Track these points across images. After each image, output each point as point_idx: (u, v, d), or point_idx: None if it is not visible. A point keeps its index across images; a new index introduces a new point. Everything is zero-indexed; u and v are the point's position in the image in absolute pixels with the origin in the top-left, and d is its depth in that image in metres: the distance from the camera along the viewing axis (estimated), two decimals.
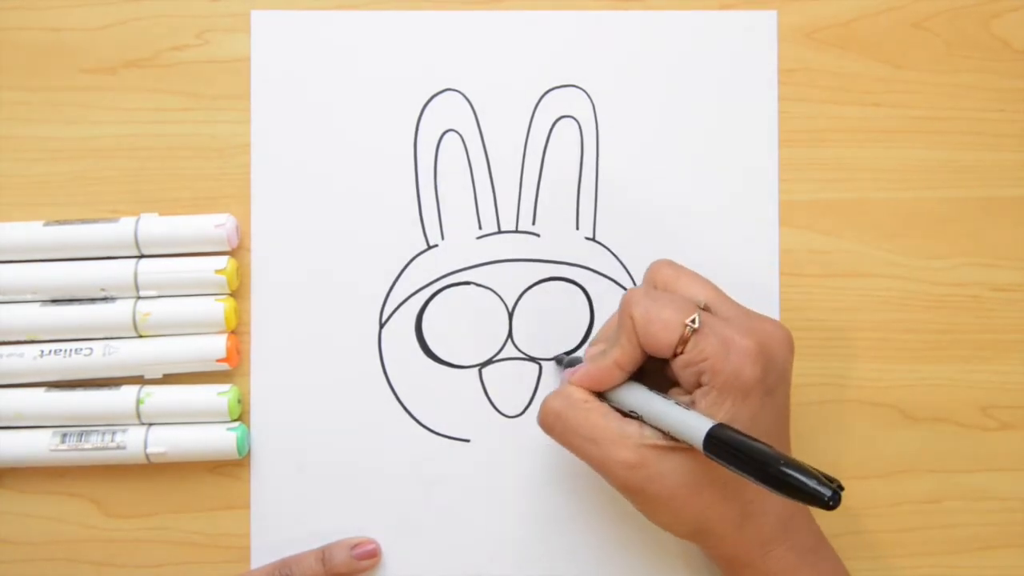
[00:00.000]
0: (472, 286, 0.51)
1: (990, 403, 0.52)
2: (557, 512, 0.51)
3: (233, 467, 0.50)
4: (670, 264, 0.46)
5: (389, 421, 0.50)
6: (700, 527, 0.43)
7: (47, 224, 0.49)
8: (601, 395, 0.45)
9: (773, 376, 0.43)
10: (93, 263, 0.49)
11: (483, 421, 0.51)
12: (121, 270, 0.49)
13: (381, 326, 0.50)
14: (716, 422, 0.40)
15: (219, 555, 0.50)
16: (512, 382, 0.51)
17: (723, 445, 0.39)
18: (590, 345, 0.47)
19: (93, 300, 0.49)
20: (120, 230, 0.49)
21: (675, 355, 0.42)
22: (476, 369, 0.51)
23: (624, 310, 0.44)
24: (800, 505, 0.45)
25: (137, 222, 0.49)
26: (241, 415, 0.50)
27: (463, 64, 0.51)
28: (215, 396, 0.49)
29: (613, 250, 0.51)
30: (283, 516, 0.50)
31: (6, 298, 0.49)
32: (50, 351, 0.49)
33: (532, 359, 0.51)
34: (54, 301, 0.49)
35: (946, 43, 0.52)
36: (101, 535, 0.50)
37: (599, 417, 0.43)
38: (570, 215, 0.51)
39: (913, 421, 0.51)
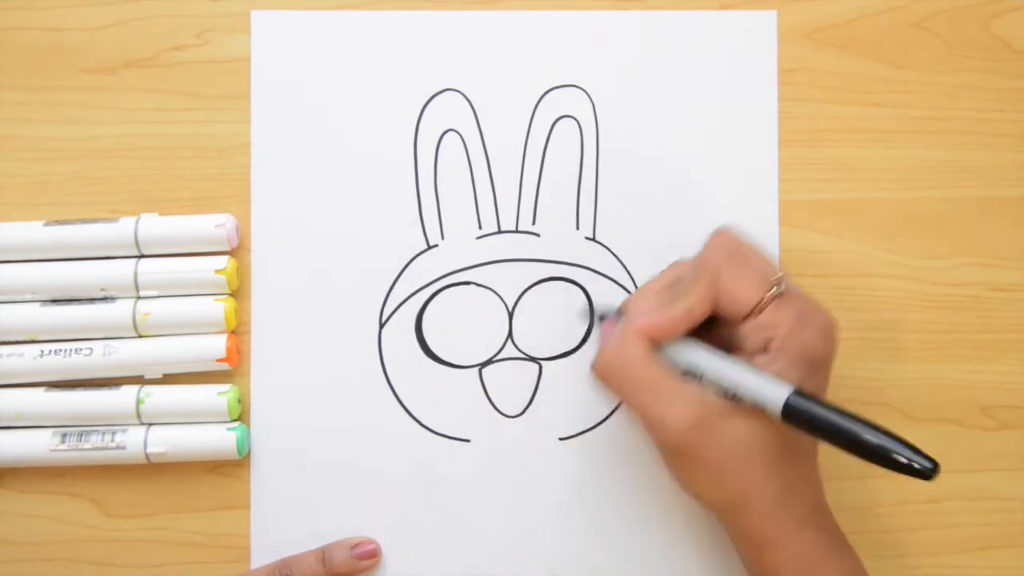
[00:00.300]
0: (472, 286, 0.51)
1: (990, 403, 0.52)
2: (557, 512, 0.51)
3: (233, 467, 0.50)
4: (736, 235, 0.45)
5: (389, 421, 0.50)
6: (740, 499, 0.43)
7: (47, 224, 0.49)
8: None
9: (832, 358, 0.43)
10: (93, 263, 0.49)
11: (483, 421, 0.51)
12: (121, 270, 0.49)
13: (381, 326, 0.50)
14: (796, 387, 0.40)
15: (219, 555, 0.50)
16: (512, 382, 0.51)
17: (806, 411, 0.39)
18: (641, 296, 0.45)
19: (93, 300, 0.49)
20: (120, 230, 0.49)
21: (747, 316, 0.42)
22: (476, 369, 0.51)
23: (706, 262, 0.43)
24: (823, 492, 0.45)
25: (137, 222, 0.49)
26: (241, 415, 0.50)
27: (463, 64, 0.51)
28: (215, 396, 0.49)
29: (613, 250, 0.51)
30: (283, 516, 0.50)
31: (6, 298, 0.49)
32: (50, 351, 0.49)
33: (532, 359, 0.51)
34: (54, 301, 0.49)
35: (946, 43, 0.52)
36: (101, 535, 0.50)
37: (661, 371, 0.42)
38: (570, 215, 0.51)
39: (913, 421, 0.51)
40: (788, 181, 0.51)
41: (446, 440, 0.51)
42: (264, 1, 0.51)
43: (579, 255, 0.51)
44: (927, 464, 0.35)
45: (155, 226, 0.49)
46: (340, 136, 0.50)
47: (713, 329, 0.44)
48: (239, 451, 0.49)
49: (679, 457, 0.43)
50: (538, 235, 0.51)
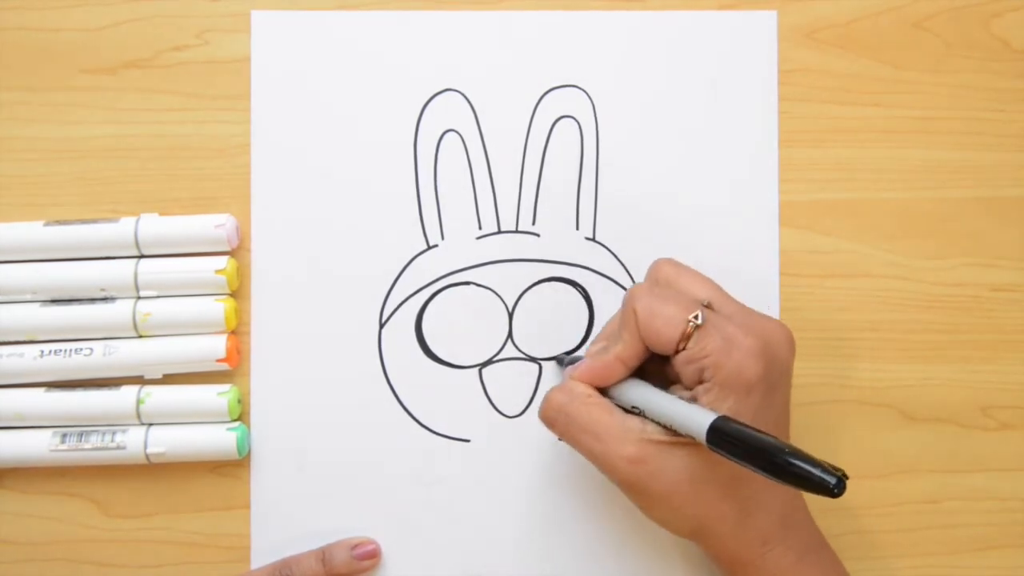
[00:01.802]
0: (472, 286, 0.51)
1: (990, 403, 0.52)
2: (557, 512, 0.51)
3: (233, 467, 0.50)
4: (672, 262, 0.46)
5: (389, 421, 0.50)
6: (699, 525, 0.43)
7: (47, 224, 0.49)
8: (603, 392, 0.45)
9: (775, 374, 0.43)
10: (93, 263, 0.49)
11: (483, 421, 0.51)
12: (121, 270, 0.49)
13: (381, 326, 0.50)
14: (719, 414, 0.40)
15: (219, 555, 0.50)
16: (512, 382, 0.51)
17: (727, 436, 0.39)
18: (592, 344, 0.47)
19: (93, 300, 0.49)
20: (120, 230, 0.49)
21: (677, 351, 0.42)
22: (476, 369, 0.51)
23: (627, 305, 0.44)
24: (799, 504, 0.45)
25: (137, 222, 0.49)
26: (241, 415, 0.50)
27: (463, 64, 0.51)
28: (215, 396, 0.49)
29: (613, 250, 0.51)
30: (283, 516, 0.50)
31: (6, 298, 0.49)
32: (50, 351, 0.49)
33: (532, 359, 0.51)
34: (54, 301, 0.49)
35: (946, 43, 0.52)
36: (101, 535, 0.50)
37: (601, 412, 0.43)
38: (570, 215, 0.51)
39: (913, 421, 0.51)
40: (788, 181, 0.51)
41: (446, 440, 0.51)
42: (264, 1, 0.51)
43: (579, 255, 0.51)
44: (830, 480, 0.35)
45: (155, 226, 0.49)
46: (340, 136, 0.50)
47: (667, 364, 0.44)
48: (239, 451, 0.49)
49: (632, 492, 0.44)
50: (538, 235, 0.51)
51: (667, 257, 0.46)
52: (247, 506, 0.50)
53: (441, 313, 0.50)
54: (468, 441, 0.51)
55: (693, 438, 0.40)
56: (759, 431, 0.38)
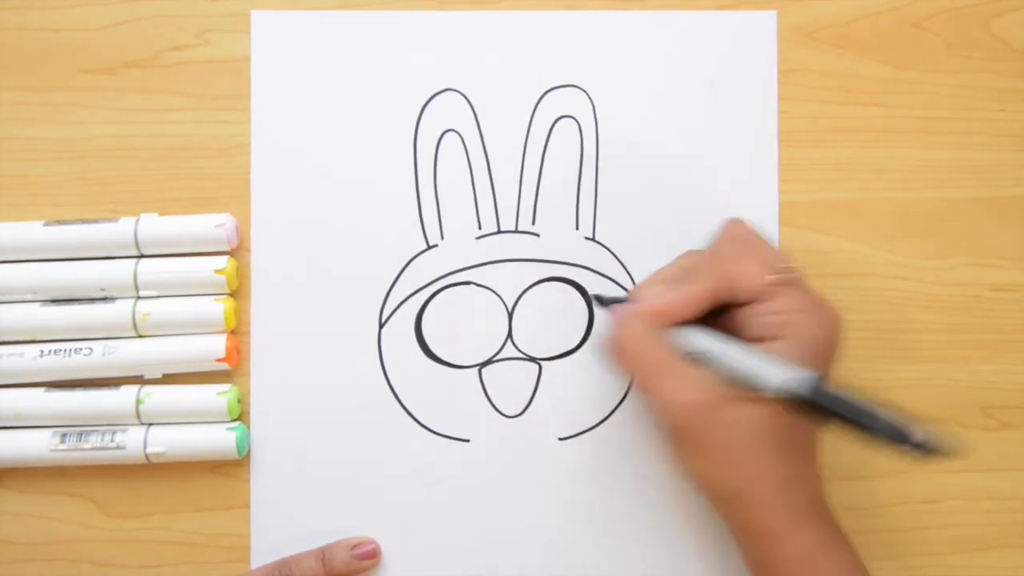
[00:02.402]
0: (472, 286, 0.51)
1: (990, 403, 0.52)
2: (557, 512, 0.51)
3: (233, 467, 0.50)
4: (747, 225, 0.46)
5: (389, 421, 0.50)
6: (742, 486, 0.43)
7: (47, 224, 0.49)
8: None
9: (838, 349, 0.44)
10: (93, 263, 0.49)
11: (483, 421, 0.51)
12: (121, 270, 0.49)
13: (381, 326, 0.50)
14: (817, 373, 0.40)
15: (219, 555, 0.50)
16: (512, 382, 0.51)
17: (827, 397, 0.39)
18: (644, 286, 0.46)
19: (93, 300, 0.49)
20: (120, 230, 0.49)
21: (752, 302, 0.43)
22: (476, 369, 0.51)
23: (712, 251, 0.44)
24: (823, 490, 0.45)
25: (137, 222, 0.49)
26: (241, 415, 0.50)
27: (463, 64, 0.51)
28: (215, 396, 0.49)
29: (613, 250, 0.51)
30: (283, 516, 0.50)
31: (6, 298, 0.49)
32: (50, 351, 0.49)
33: (532, 359, 0.51)
34: (54, 301, 0.49)
35: (946, 43, 0.52)
36: (101, 535, 0.50)
37: (672, 354, 0.43)
38: (570, 215, 0.51)
39: None
40: (788, 181, 0.51)
41: (446, 440, 0.51)
42: (264, 1, 0.51)
43: (579, 255, 0.51)
44: (942, 445, 0.36)
45: (155, 226, 0.49)
46: (340, 136, 0.50)
47: (720, 320, 0.44)
48: (239, 451, 0.49)
49: (685, 439, 0.43)
50: (538, 235, 0.51)
51: (740, 219, 0.46)
52: (247, 506, 0.50)
53: (441, 313, 0.50)
54: (468, 441, 0.51)
55: (774, 392, 0.40)
56: (858, 395, 0.39)
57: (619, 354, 0.45)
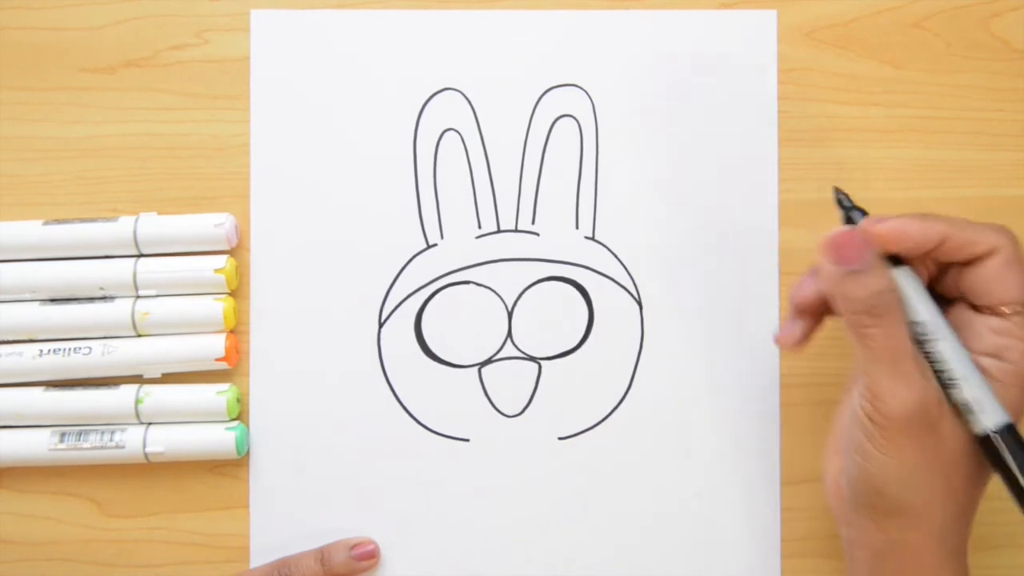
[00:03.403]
0: (472, 285, 0.51)
1: None
2: (557, 512, 0.51)
3: (232, 467, 0.50)
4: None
5: (389, 421, 0.50)
6: (915, 505, 0.39)
7: (46, 223, 0.49)
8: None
9: None
10: (92, 262, 0.49)
11: (483, 421, 0.50)
12: (120, 269, 0.49)
13: (380, 325, 0.50)
14: (1010, 421, 0.37)
15: (218, 555, 0.50)
16: (512, 382, 0.51)
17: (1013, 452, 0.37)
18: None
19: (92, 299, 0.49)
20: (119, 229, 0.49)
21: (992, 313, 0.39)
22: (476, 369, 0.51)
23: (982, 229, 0.40)
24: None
25: (136, 221, 0.49)
26: (240, 414, 0.50)
27: (463, 63, 0.51)
28: (214, 395, 0.49)
29: (613, 250, 0.51)
30: (282, 516, 0.50)
31: (5, 297, 0.49)
32: (49, 350, 0.49)
33: (532, 358, 0.51)
34: (53, 300, 0.49)
35: (946, 43, 0.52)
36: (100, 535, 0.50)
37: (905, 333, 0.39)
38: (570, 215, 0.51)
39: None
40: (788, 181, 0.51)
41: (445, 440, 0.50)
42: (264, 0, 0.51)
43: (579, 255, 0.51)
44: None
45: (154, 225, 0.49)
46: (339, 135, 0.50)
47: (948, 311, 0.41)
48: (238, 451, 0.49)
49: (884, 437, 0.39)
50: (537, 235, 0.51)
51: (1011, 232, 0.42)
52: (246, 506, 0.50)
53: (440, 312, 0.50)
54: (467, 441, 0.51)
55: (968, 414, 0.38)
56: None
57: (864, 308, 0.39)
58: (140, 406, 0.49)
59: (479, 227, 0.51)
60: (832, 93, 0.52)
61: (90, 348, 0.49)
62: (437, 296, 0.50)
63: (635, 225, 0.51)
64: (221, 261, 0.49)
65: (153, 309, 0.49)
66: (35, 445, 0.49)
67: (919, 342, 0.39)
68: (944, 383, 0.39)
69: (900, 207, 0.51)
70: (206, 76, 0.51)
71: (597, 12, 0.51)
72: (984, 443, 0.38)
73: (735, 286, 0.51)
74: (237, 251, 0.50)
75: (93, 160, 0.50)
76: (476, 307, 0.51)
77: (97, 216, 0.50)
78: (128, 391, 0.49)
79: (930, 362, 0.39)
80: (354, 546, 0.49)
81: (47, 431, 0.49)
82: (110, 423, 0.49)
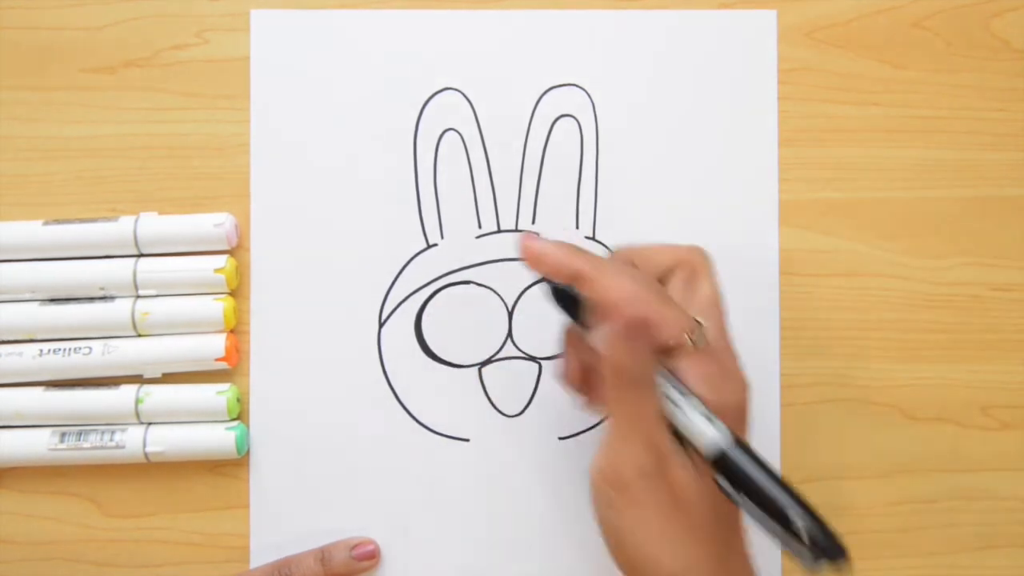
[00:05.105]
0: (472, 285, 0.51)
1: (990, 403, 0.52)
2: (557, 512, 0.51)
3: (232, 467, 0.50)
4: (704, 258, 0.42)
5: (389, 421, 0.50)
6: (678, 563, 0.38)
7: (46, 223, 0.49)
8: None
9: (746, 419, 0.40)
10: (92, 262, 0.49)
11: (483, 420, 0.50)
12: (120, 269, 0.49)
13: (380, 325, 0.50)
14: (733, 434, 0.37)
15: (218, 555, 0.50)
16: (512, 381, 0.51)
17: (741, 461, 0.36)
18: (618, 287, 0.40)
19: (92, 299, 0.49)
20: (119, 229, 0.49)
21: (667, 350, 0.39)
22: (476, 368, 0.51)
23: (659, 268, 0.41)
24: (754, 570, 0.41)
25: (136, 221, 0.49)
26: (240, 414, 0.50)
27: (463, 63, 0.51)
28: (214, 395, 0.49)
29: (613, 249, 0.51)
30: (282, 516, 0.50)
31: (5, 297, 0.49)
32: (49, 350, 0.49)
33: (532, 358, 0.51)
34: (53, 300, 0.49)
35: (946, 43, 0.52)
36: (100, 535, 0.50)
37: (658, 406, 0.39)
38: (570, 214, 0.51)
39: (913, 421, 0.51)
40: (788, 181, 0.51)
41: (446, 440, 0.50)
42: (264, 0, 0.51)
43: None
44: (838, 554, 0.33)
45: (154, 225, 0.49)
46: (339, 135, 0.50)
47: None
48: (238, 450, 0.49)
49: (617, 499, 0.39)
50: (538, 234, 0.51)
51: (702, 249, 0.42)
52: (246, 505, 0.50)
53: (441, 312, 0.50)
54: (467, 441, 0.51)
55: (700, 444, 0.37)
56: (774, 472, 0.36)
57: (630, 386, 0.38)
58: (140, 406, 0.49)
59: (479, 227, 0.51)
60: (832, 93, 0.52)
61: (90, 348, 0.49)
62: (437, 296, 0.50)
63: (635, 225, 0.51)
64: (221, 261, 0.49)
65: (153, 309, 0.49)
66: (35, 445, 0.49)
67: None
68: (677, 433, 0.38)
69: (900, 207, 0.52)
70: (206, 76, 0.51)
71: (597, 12, 0.51)
72: (718, 468, 0.37)
73: (735, 286, 0.51)
74: (237, 251, 0.50)
75: (93, 160, 0.50)
76: (476, 307, 0.51)
77: (97, 216, 0.50)
78: (128, 391, 0.49)
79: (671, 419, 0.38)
80: (354, 546, 0.49)
81: (47, 431, 0.49)
82: (110, 423, 0.49)
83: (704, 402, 0.38)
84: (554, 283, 0.42)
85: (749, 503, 0.36)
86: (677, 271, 0.42)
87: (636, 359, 0.38)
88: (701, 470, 0.38)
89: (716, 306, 0.41)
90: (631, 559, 0.39)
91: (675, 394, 0.38)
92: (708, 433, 0.37)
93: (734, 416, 0.39)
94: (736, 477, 0.36)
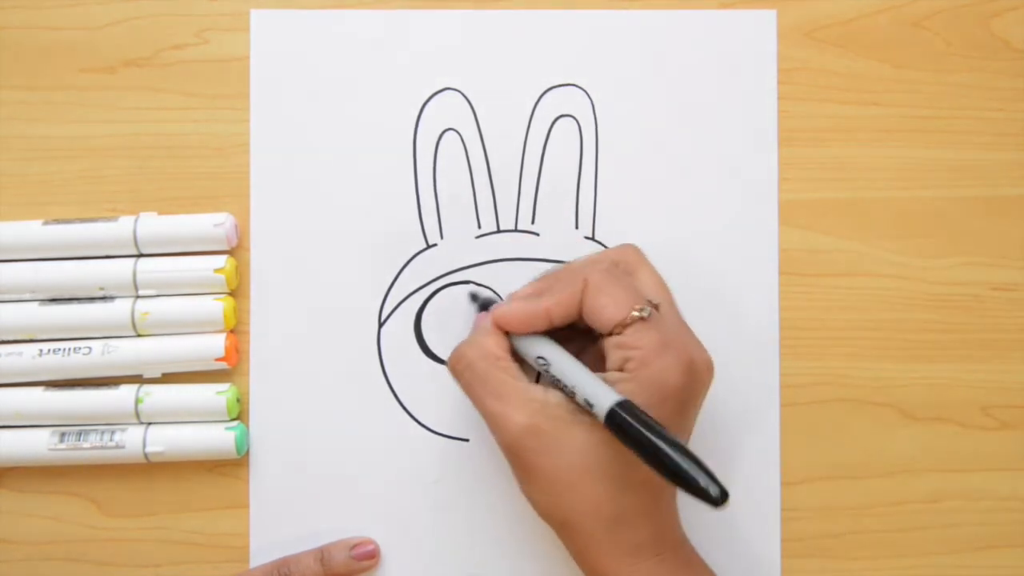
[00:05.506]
0: (471, 285, 0.51)
1: (990, 403, 0.52)
2: None
3: (232, 466, 0.50)
4: (637, 252, 0.46)
5: (388, 420, 0.50)
6: (571, 517, 0.42)
7: (46, 223, 0.49)
8: (512, 343, 0.45)
9: (691, 394, 0.43)
10: (92, 262, 0.49)
11: (483, 420, 0.50)
12: (120, 269, 0.49)
13: (380, 325, 0.50)
14: (625, 397, 0.40)
15: (218, 555, 0.50)
16: None
17: (630, 419, 0.39)
18: (521, 289, 0.46)
19: (92, 299, 0.49)
20: (119, 229, 0.49)
21: (610, 333, 0.42)
22: None
23: (578, 271, 0.44)
24: (676, 521, 0.45)
25: (136, 221, 0.49)
26: (240, 414, 0.50)
27: (463, 63, 0.51)
28: (214, 395, 0.49)
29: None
30: (282, 516, 0.50)
31: (5, 297, 0.49)
32: (49, 350, 0.49)
33: None
34: (53, 300, 0.49)
35: (946, 43, 0.52)
36: (100, 535, 0.50)
37: (507, 375, 0.43)
38: (569, 214, 0.51)
39: (913, 421, 0.51)
40: (788, 181, 0.51)
41: (445, 440, 0.50)
42: (264, 0, 0.51)
43: (578, 255, 0.50)
44: (716, 492, 0.37)
45: (154, 225, 0.49)
46: (339, 135, 0.50)
47: (585, 346, 0.45)
48: (238, 450, 0.49)
49: (516, 461, 0.43)
50: (537, 234, 0.51)
51: (634, 245, 0.46)
52: (246, 505, 0.50)
53: (440, 312, 0.50)
54: (467, 441, 0.51)
55: (591, 409, 0.41)
56: (661, 426, 0.39)
57: (457, 369, 0.45)
58: (140, 406, 0.49)
59: (479, 227, 0.51)
60: (832, 93, 0.52)
61: (90, 348, 0.49)
62: (437, 296, 0.50)
63: (635, 225, 0.51)
64: (221, 261, 0.49)
65: (153, 309, 0.49)
66: (35, 445, 0.49)
67: (545, 372, 0.43)
68: (569, 395, 0.42)
69: (900, 207, 0.52)
70: (206, 76, 0.51)
71: (597, 12, 0.51)
72: (609, 425, 0.40)
73: (735, 286, 0.51)
74: (237, 251, 0.50)
75: (93, 160, 0.50)
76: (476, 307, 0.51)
77: (97, 216, 0.50)
78: (128, 391, 0.49)
79: (557, 384, 0.43)
80: (354, 546, 0.49)
81: (47, 431, 0.49)
82: (110, 423, 0.49)
83: (636, 374, 0.41)
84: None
85: (643, 456, 0.39)
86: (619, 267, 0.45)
87: (466, 367, 0.44)
88: (597, 432, 0.41)
89: (662, 289, 0.45)
90: (537, 509, 0.44)
91: (563, 371, 0.42)
92: (598, 398, 0.40)
93: (670, 393, 0.41)
94: (627, 435, 0.39)
